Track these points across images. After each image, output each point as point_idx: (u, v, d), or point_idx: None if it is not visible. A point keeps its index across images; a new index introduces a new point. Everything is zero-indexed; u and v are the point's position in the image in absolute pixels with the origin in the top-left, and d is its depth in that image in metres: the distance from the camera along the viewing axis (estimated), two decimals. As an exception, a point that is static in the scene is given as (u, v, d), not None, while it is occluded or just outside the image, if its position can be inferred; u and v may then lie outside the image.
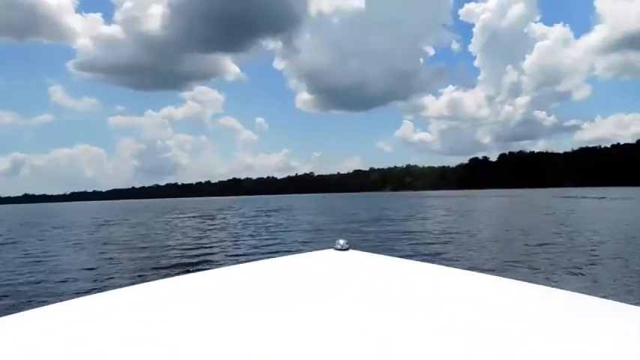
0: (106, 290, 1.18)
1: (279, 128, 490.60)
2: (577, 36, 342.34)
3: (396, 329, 0.88)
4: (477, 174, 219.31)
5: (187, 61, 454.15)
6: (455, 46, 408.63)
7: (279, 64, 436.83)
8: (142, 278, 8.24)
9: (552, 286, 1.18)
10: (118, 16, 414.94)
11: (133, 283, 1.22)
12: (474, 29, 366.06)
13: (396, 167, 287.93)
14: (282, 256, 1.72)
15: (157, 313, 1.05)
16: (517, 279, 1.27)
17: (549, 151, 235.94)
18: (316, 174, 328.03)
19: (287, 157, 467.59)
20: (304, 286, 1.31)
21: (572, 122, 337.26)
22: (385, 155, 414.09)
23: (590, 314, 1.00)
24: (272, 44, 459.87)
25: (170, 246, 14.38)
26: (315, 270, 1.54)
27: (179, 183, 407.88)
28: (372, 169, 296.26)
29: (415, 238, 14.40)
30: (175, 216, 35.18)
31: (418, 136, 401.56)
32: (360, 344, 0.81)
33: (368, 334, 0.86)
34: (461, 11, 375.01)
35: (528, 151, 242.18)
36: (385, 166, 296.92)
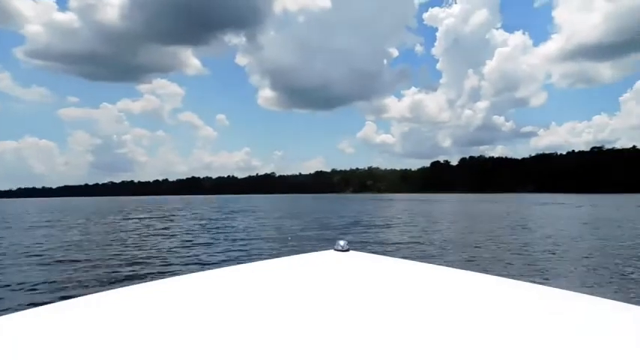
0: (105, 290, 1.18)
1: (241, 126, 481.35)
2: (536, 44, 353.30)
3: (396, 330, 0.88)
4: (438, 177, 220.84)
5: (146, 53, 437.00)
6: (418, 48, 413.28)
7: (241, 60, 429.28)
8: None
9: (552, 286, 1.18)
10: (73, 3, 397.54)
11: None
12: (437, 33, 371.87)
13: (358, 169, 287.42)
14: (282, 256, 1.71)
15: (157, 313, 1.05)
16: (518, 279, 1.28)
17: (507, 156, 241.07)
18: (278, 174, 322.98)
19: (248, 156, 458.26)
20: (304, 286, 1.31)
21: (529, 128, 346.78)
22: (347, 156, 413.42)
23: (592, 314, 1.00)
24: (235, 39, 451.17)
25: (98, 258, 11.50)
26: (315, 271, 1.53)
27: (135, 181, 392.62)
28: (333, 171, 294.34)
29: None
30: (123, 217, 31.19)
31: (380, 137, 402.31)
32: (361, 344, 0.80)
33: (368, 334, 0.86)
34: (425, 15, 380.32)
35: (488, 155, 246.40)
36: (347, 168, 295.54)
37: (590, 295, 1.09)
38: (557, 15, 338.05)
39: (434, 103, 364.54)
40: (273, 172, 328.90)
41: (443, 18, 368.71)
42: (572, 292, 1.12)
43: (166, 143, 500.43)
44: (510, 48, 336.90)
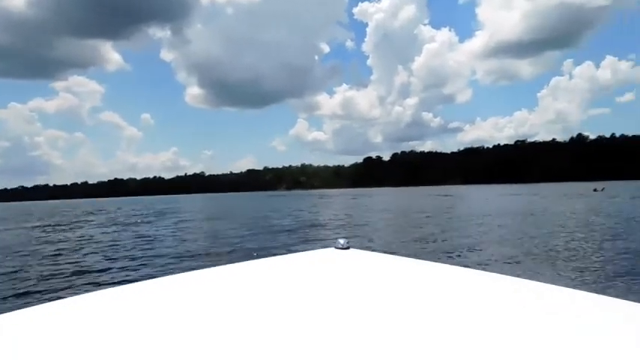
0: (102, 290, 1.18)
1: (167, 125, 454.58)
2: (461, 40, 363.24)
3: (397, 328, 0.89)
4: (371, 173, 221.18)
5: (60, 47, 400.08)
6: (349, 44, 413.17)
7: (167, 55, 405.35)
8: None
9: (554, 284, 1.19)
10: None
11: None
12: (367, 28, 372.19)
13: (290, 166, 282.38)
14: (282, 255, 1.73)
15: (156, 311, 1.05)
16: (520, 277, 1.29)
17: (437, 150, 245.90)
18: (207, 173, 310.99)
19: (175, 156, 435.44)
20: (305, 284, 1.32)
21: (456, 124, 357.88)
22: (279, 154, 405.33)
23: (592, 313, 1.00)
24: (160, 33, 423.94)
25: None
26: (315, 268, 1.54)
27: (51, 184, 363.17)
28: (266, 169, 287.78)
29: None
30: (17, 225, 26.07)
31: (313, 135, 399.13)
32: (362, 342, 0.80)
33: (370, 332, 0.86)
34: (355, 10, 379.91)
35: (418, 150, 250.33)
36: (280, 165, 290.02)
37: (593, 293, 1.10)
38: (480, 12, 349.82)
39: (365, 99, 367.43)
40: (202, 172, 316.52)
41: (373, 13, 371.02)
42: (574, 290, 1.13)
43: (86, 145, 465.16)
44: (438, 44, 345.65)
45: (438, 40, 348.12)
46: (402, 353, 0.76)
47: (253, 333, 0.87)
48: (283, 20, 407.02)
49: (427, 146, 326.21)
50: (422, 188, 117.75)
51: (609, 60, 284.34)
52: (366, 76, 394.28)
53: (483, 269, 1.46)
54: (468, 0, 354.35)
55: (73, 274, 9.94)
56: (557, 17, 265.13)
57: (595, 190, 50.98)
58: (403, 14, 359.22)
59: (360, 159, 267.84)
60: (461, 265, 1.49)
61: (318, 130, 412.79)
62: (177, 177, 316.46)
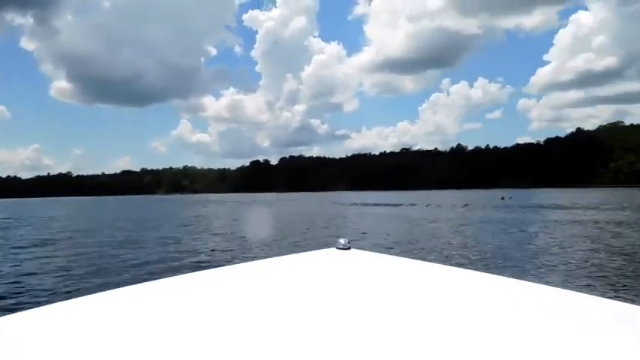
0: (102, 291, 1.16)
1: (27, 119, 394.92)
2: (349, 54, 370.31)
3: (399, 328, 0.89)
4: (257, 177, 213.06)
5: None
6: (237, 49, 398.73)
7: (29, 44, 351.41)
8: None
9: (556, 286, 1.20)
10: None
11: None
12: (257, 35, 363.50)
13: (171, 168, 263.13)
14: (283, 255, 1.73)
15: (156, 312, 1.05)
16: (521, 279, 1.30)
17: (325, 156, 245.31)
18: (75, 174, 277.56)
19: (37, 154, 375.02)
20: (306, 284, 1.32)
21: (343, 131, 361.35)
22: (160, 156, 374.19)
23: (589, 314, 1.01)
24: (20, 19, 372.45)
25: None
26: (317, 269, 1.54)
27: None
28: (144, 170, 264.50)
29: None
30: None
31: (197, 136, 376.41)
32: (364, 343, 0.81)
33: (371, 332, 0.86)
34: (245, 16, 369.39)
35: (307, 156, 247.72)
36: (160, 167, 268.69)
37: (585, 294, 1.10)
38: (367, 29, 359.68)
39: (253, 104, 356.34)
40: (69, 172, 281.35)
41: (263, 21, 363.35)
42: (569, 291, 1.14)
43: None
44: (327, 56, 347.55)
45: (327, 52, 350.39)
46: (404, 354, 0.75)
47: (255, 334, 0.86)
48: (168, 20, 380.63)
49: (315, 152, 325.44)
50: (310, 194, 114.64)
51: (481, 81, 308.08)
52: (254, 81, 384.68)
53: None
54: (356, 17, 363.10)
55: None
56: (437, 40, 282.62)
57: (502, 198, 50.93)
58: (293, 25, 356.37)
59: (247, 162, 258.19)
60: (462, 267, 1.48)
61: (203, 132, 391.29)
62: (39, 177, 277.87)
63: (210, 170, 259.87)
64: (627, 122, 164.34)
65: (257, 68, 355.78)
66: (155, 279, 1.35)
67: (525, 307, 1.06)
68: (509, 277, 1.30)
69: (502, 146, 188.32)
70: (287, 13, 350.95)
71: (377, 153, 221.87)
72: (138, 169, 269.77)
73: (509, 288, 1.24)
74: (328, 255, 1.71)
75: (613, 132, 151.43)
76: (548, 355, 0.75)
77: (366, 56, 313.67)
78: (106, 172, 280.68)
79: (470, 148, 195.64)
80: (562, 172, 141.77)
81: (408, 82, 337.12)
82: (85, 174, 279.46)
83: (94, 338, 0.87)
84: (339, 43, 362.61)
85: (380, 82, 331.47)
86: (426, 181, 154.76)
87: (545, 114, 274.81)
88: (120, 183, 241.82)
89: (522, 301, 1.12)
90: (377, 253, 1.76)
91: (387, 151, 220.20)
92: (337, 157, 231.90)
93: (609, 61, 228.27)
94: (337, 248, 1.77)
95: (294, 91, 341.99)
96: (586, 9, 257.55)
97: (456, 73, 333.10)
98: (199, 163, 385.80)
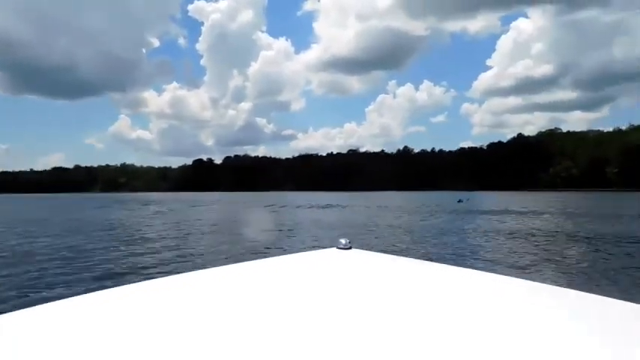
0: (101, 289, 1.16)
1: None
2: (297, 51, 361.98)
3: (400, 328, 0.89)
4: (201, 176, 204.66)
5: None
6: (182, 41, 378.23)
7: None
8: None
9: (561, 285, 1.20)
10: None
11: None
12: (202, 27, 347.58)
13: (108, 166, 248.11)
14: (283, 255, 1.74)
15: (157, 312, 1.04)
16: (523, 278, 1.30)
17: (271, 156, 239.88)
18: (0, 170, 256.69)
19: None
20: (307, 284, 1.32)
21: (290, 131, 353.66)
22: (96, 152, 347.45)
23: (589, 312, 1.00)
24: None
25: None
26: (317, 268, 1.55)
27: None
28: (77, 167, 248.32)
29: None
30: None
31: (137, 133, 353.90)
32: (365, 342, 0.81)
33: (372, 332, 0.86)
34: (191, 7, 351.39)
35: (252, 155, 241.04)
36: (95, 164, 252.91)
37: (585, 293, 1.11)
38: (316, 27, 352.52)
39: (196, 100, 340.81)
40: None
41: (209, 12, 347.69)
42: (569, 289, 1.14)
43: None
44: (274, 52, 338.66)
45: (274, 48, 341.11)
46: (406, 353, 0.76)
47: (257, 333, 0.86)
48: (107, 6, 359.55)
49: (261, 151, 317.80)
50: (255, 194, 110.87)
51: (426, 84, 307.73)
52: (198, 76, 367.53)
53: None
54: (306, 13, 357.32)
55: None
56: (385, 40, 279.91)
57: (460, 201, 47.80)
58: (241, 18, 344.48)
59: (189, 161, 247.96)
60: (463, 267, 1.50)
61: (144, 128, 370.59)
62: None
63: (150, 168, 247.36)
64: (564, 129, 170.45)
65: (202, 62, 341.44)
66: (158, 277, 1.34)
67: (526, 307, 1.06)
68: (510, 276, 1.30)
69: (447, 150, 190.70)
70: (234, 5, 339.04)
71: (324, 154, 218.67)
72: (71, 166, 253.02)
73: (511, 287, 1.24)
74: (329, 255, 1.71)
75: (552, 138, 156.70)
76: (548, 355, 0.75)
77: (314, 54, 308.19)
78: (35, 169, 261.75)
79: (416, 150, 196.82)
80: (505, 177, 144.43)
81: (355, 83, 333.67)
82: (10, 170, 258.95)
83: (93, 338, 0.85)
84: (287, 39, 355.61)
85: (327, 82, 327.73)
86: (373, 183, 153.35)
87: (486, 119, 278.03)
88: (50, 180, 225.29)
89: (524, 300, 1.12)
90: (378, 253, 1.78)
91: (334, 152, 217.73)
92: (284, 158, 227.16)
93: (546, 69, 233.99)
94: (338, 248, 1.77)
95: (240, 87, 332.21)
96: (526, 16, 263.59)
97: (402, 75, 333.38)
98: (139, 161, 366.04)
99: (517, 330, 0.87)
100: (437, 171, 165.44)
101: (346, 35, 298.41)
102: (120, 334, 0.86)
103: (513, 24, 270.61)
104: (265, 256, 1.64)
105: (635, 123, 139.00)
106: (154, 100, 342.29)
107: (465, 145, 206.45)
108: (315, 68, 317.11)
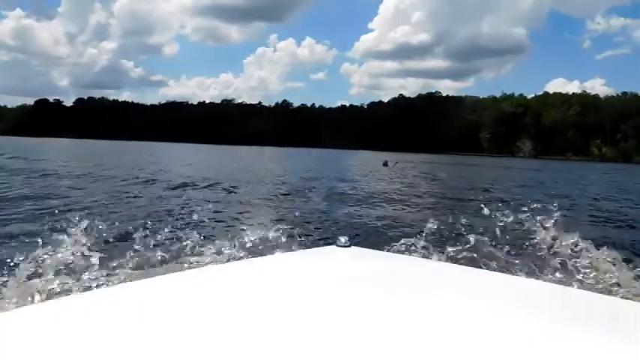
0: (100, 288, 1.08)
1: None
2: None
3: (399, 326, 0.88)
4: (45, 119, 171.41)
5: None
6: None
7: None
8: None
9: (560, 284, 1.15)
10: None
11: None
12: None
13: None
14: (283, 253, 1.69)
15: (156, 310, 1.03)
16: (525, 277, 1.27)
17: (133, 101, 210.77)
18: None
19: None
20: (307, 282, 1.32)
21: (160, 77, 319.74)
22: None
23: (591, 311, 1.00)
24: None
25: None
26: (317, 266, 1.55)
27: None
28: None
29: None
30: None
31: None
32: (365, 341, 0.80)
33: (372, 330, 0.86)
34: None
35: (111, 99, 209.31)
36: None
37: (588, 292, 1.10)
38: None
39: (48, 33, 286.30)
40: None
41: None
42: (572, 288, 1.14)
43: None
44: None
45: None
46: (406, 352, 0.76)
47: (257, 331, 0.85)
48: None
49: (125, 97, 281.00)
50: (106, 142, 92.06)
51: (308, 41, 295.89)
52: (51, 5, 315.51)
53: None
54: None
55: None
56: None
57: (386, 164, 34.40)
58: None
59: (31, 101, 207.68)
60: (463, 266, 1.40)
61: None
62: None
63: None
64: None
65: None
66: (158, 275, 1.28)
67: (527, 306, 1.05)
68: (511, 275, 1.24)
69: (327, 107, 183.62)
70: None
71: (195, 103, 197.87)
72: None
73: (513, 286, 1.23)
74: (328, 252, 1.72)
75: (432, 101, 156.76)
76: (549, 353, 0.75)
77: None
78: None
79: (295, 105, 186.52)
80: (386, 137, 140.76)
81: (235, 32, 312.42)
82: None
83: (91, 336, 0.85)
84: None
85: (204, 27, 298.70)
86: (250, 137, 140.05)
87: (364, 80, 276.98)
88: None
89: (525, 300, 1.11)
90: (377, 251, 1.77)
91: (207, 102, 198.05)
92: (149, 104, 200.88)
93: (423, 37, 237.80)
94: (337, 246, 1.76)
95: (103, 24, 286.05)
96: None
97: (284, 29, 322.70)
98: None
99: (517, 330, 0.86)
100: (319, 128, 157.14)
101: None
102: (120, 334, 0.86)
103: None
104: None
105: (498, 95, 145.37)
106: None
107: (344, 103, 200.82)
108: (190, 12, 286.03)
